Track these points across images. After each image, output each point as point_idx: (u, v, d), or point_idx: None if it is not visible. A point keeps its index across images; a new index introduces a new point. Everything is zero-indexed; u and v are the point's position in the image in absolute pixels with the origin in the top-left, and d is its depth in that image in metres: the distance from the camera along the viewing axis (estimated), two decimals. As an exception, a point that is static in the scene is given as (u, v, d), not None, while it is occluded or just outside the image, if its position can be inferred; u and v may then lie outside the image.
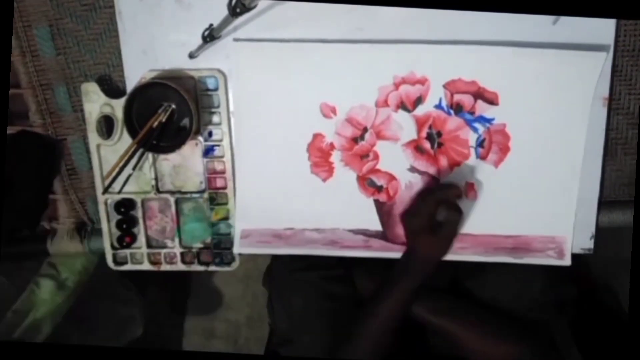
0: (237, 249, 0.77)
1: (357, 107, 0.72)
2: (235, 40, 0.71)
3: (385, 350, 0.71)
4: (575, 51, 0.68)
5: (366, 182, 0.75)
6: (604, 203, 0.75)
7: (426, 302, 0.73)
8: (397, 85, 0.71)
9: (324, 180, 0.75)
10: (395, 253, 0.75)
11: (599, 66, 0.69)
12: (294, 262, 0.82)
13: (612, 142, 0.74)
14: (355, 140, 0.73)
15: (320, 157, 0.74)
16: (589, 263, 1.16)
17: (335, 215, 0.76)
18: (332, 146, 0.74)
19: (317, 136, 0.74)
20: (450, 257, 0.75)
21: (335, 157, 0.74)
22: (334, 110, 0.73)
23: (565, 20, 0.68)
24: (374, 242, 0.76)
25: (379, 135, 0.73)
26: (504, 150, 0.72)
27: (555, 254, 0.74)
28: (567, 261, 0.74)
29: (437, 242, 0.69)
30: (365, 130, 0.73)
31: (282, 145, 0.74)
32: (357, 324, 0.72)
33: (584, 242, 0.75)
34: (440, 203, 0.68)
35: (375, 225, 0.76)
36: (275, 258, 0.86)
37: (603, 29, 0.69)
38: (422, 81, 0.71)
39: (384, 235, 0.76)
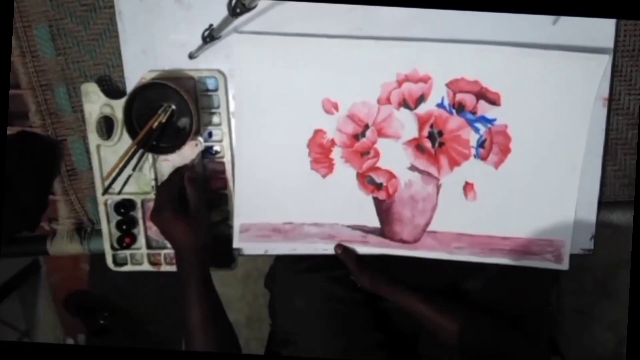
0: (236, 243, 0.77)
1: (359, 104, 0.72)
2: (239, 33, 0.71)
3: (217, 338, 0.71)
4: (578, 53, 0.68)
5: (366, 180, 0.75)
6: (604, 203, 0.75)
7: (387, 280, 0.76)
8: (400, 83, 0.71)
9: (324, 176, 0.75)
10: (392, 249, 0.76)
11: (601, 68, 0.69)
12: (296, 263, 0.82)
13: (612, 142, 0.74)
14: (356, 137, 0.73)
15: (320, 153, 0.74)
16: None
17: (334, 211, 0.76)
18: (332, 142, 0.74)
19: (318, 132, 0.74)
20: (446, 256, 0.76)
21: (336, 154, 0.74)
22: (336, 107, 0.73)
23: (565, 20, 0.68)
24: (372, 238, 0.76)
25: (380, 133, 0.73)
26: (505, 151, 0.72)
27: (553, 258, 0.74)
28: (565, 265, 0.74)
29: (188, 224, 0.69)
30: (366, 127, 0.73)
31: (283, 140, 0.74)
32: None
33: (584, 242, 0.75)
34: (177, 188, 0.71)
35: (374, 221, 0.76)
36: (277, 259, 0.86)
37: (603, 30, 0.69)
38: (425, 79, 0.71)
39: (382, 232, 0.76)
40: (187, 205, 0.71)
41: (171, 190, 0.71)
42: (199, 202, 0.71)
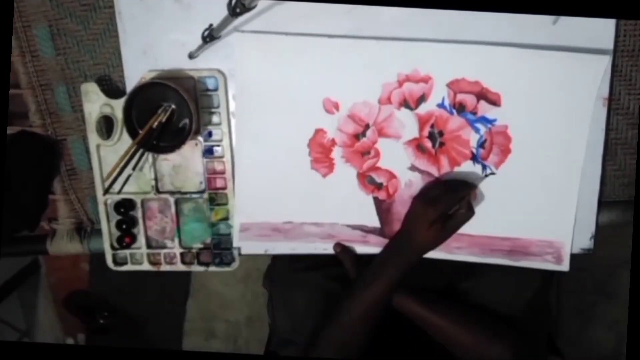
0: (236, 242, 0.77)
1: (359, 104, 0.72)
2: (240, 32, 0.71)
3: (360, 342, 0.71)
4: (578, 54, 0.68)
5: (366, 180, 0.75)
6: (604, 203, 0.75)
7: (418, 296, 0.73)
8: (400, 83, 0.71)
9: (324, 176, 0.75)
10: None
11: (601, 69, 0.69)
12: (294, 262, 0.82)
13: (612, 142, 0.74)
14: (356, 136, 0.73)
15: (321, 152, 0.74)
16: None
17: (334, 211, 0.76)
18: (333, 142, 0.74)
19: (318, 132, 0.74)
20: (445, 256, 0.76)
21: (336, 153, 0.74)
22: (336, 106, 0.73)
23: (565, 20, 0.68)
24: (372, 238, 0.76)
25: (381, 133, 0.73)
26: (505, 152, 0.72)
27: (554, 259, 0.74)
28: (565, 267, 0.74)
29: (440, 233, 0.70)
30: (367, 127, 0.73)
31: (283, 140, 0.74)
32: (339, 310, 0.71)
33: (584, 242, 0.75)
34: (461, 200, 0.69)
35: (374, 221, 0.76)
36: (275, 258, 0.86)
37: (603, 30, 0.69)
38: (426, 79, 0.71)
39: (382, 232, 0.76)
40: (448, 217, 0.69)
41: (454, 197, 0.70)
42: (461, 225, 0.70)
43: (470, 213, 0.70)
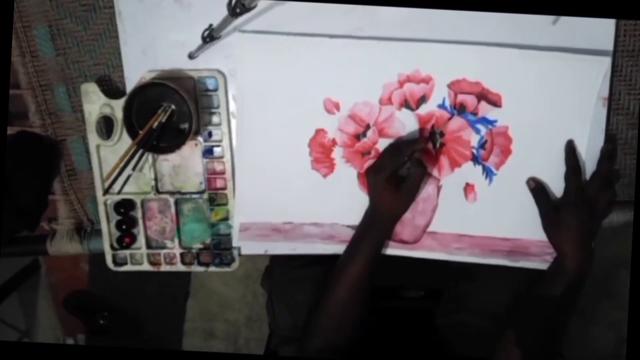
0: (235, 242, 0.77)
1: (360, 104, 0.72)
2: (241, 31, 0.71)
3: (351, 324, 0.71)
4: (579, 55, 0.68)
5: (367, 180, 0.75)
6: (604, 203, 0.75)
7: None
8: (401, 83, 0.71)
9: (325, 176, 0.75)
10: (392, 250, 0.76)
11: (602, 70, 0.69)
12: (292, 259, 0.82)
13: (612, 142, 0.74)
14: (357, 137, 0.73)
15: (321, 152, 0.74)
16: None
17: (334, 211, 0.76)
18: (334, 142, 0.74)
19: (319, 132, 0.74)
20: (446, 257, 0.76)
21: (337, 154, 0.74)
22: (337, 106, 0.73)
23: (565, 20, 0.68)
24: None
25: (382, 133, 0.73)
26: (506, 152, 0.72)
27: (553, 259, 0.74)
28: None
29: (399, 197, 0.70)
30: (367, 127, 0.73)
31: (284, 140, 0.74)
32: (325, 294, 0.71)
33: (584, 242, 0.75)
34: (405, 158, 0.70)
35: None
36: (273, 258, 0.86)
37: (603, 30, 0.69)
38: (427, 80, 0.71)
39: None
40: (404, 179, 0.70)
41: (398, 157, 0.70)
42: (418, 182, 0.70)
43: (420, 169, 0.69)
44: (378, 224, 0.72)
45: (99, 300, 1.63)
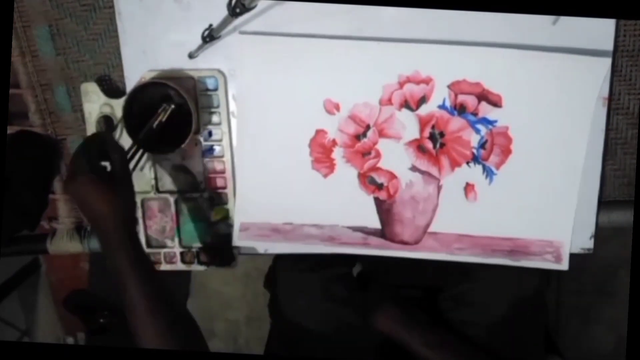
0: (235, 242, 0.77)
1: (360, 105, 0.72)
2: (241, 33, 0.71)
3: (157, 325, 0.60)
4: (579, 55, 0.68)
5: (367, 180, 0.75)
6: (604, 203, 0.75)
7: (420, 336, 0.74)
8: (401, 84, 0.71)
9: (325, 176, 0.75)
10: (393, 251, 0.76)
11: (602, 71, 0.68)
12: (296, 263, 0.82)
13: (612, 142, 0.74)
14: (357, 137, 0.73)
15: (321, 153, 0.74)
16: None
17: (335, 211, 0.76)
18: (334, 143, 0.74)
19: (319, 132, 0.74)
20: (447, 257, 0.76)
21: (337, 154, 0.74)
22: (337, 107, 0.73)
23: (565, 20, 0.68)
24: (372, 240, 0.76)
25: (382, 134, 0.73)
26: (506, 152, 0.72)
27: (553, 258, 0.74)
28: (564, 265, 0.74)
29: (109, 188, 0.60)
30: (368, 127, 0.73)
31: (284, 140, 0.74)
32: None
33: (584, 242, 0.75)
34: (97, 153, 0.63)
35: (374, 222, 0.76)
36: (277, 259, 0.86)
37: (603, 30, 0.69)
38: (427, 81, 0.71)
39: (383, 233, 0.76)
40: (108, 173, 0.62)
41: (90, 154, 0.62)
42: (124, 167, 0.62)
43: (117, 152, 0.62)
44: (111, 233, 0.60)
45: (99, 300, 1.63)
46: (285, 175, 0.75)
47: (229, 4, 0.62)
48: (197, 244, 0.79)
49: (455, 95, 0.71)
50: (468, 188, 0.74)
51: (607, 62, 0.68)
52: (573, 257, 0.74)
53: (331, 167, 0.75)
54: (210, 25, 0.69)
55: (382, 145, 0.73)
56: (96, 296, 1.64)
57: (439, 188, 0.74)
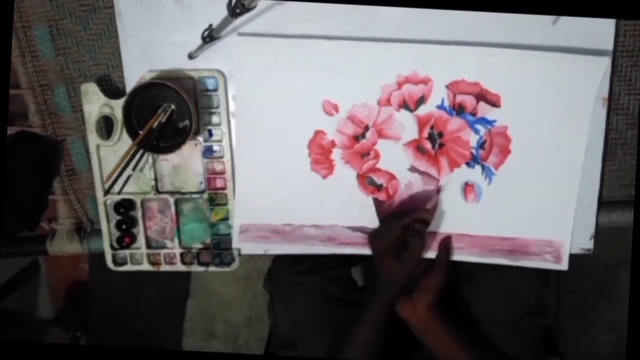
0: (235, 243, 0.77)
1: (359, 105, 0.72)
2: (240, 34, 0.71)
3: (375, 353, 0.72)
4: (578, 55, 0.68)
5: (366, 181, 0.75)
6: (604, 203, 0.75)
7: (454, 328, 0.73)
8: (400, 85, 0.71)
9: (324, 177, 0.75)
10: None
11: (601, 70, 0.69)
12: (295, 264, 0.81)
13: (612, 142, 0.74)
14: (356, 138, 0.73)
15: (320, 154, 0.74)
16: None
17: (334, 212, 0.76)
18: (333, 143, 0.74)
19: (318, 133, 0.74)
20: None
21: (336, 155, 0.74)
22: (336, 108, 0.73)
23: (565, 20, 0.68)
24: (373, 241, 0.76)
25: (381, 134, 0.73)
26: (505, 152, 0.72)
27: (553, 258, 0.74)
28: (564, 265, 0.74)
29: (398, 266, 0.70)
30: (366, 128, 0.73)
31: (283, 141, 0.74)
32: (351, 333, 0.73)
33: (584, 242, 0.75)
34: (405, 228, 0.69)
35: (374, 223, 0.76)
36: (276, 260, 0.86)
37: (603, 30, 0.69)
38: (426, 81, 0.71)
39: (382, 234, 0.76)
40: (405, 247, 0.70)
41: (400, 224, 0.70)
42: (419, 253, 0.70)
43: (418, 240, 0.69)
44: (381, 290, 0.72)
45: (97, 298, 1.63)
46: (284, 177, 0.75)
47: (229, 4, 0.62)
48: (197, 245, 0.79)
49: (454, 96, 0.71)
50: (467, 188, 0.74)
51: (606, 60, 0.68)
52: (573, 257, 0.74)
53: (330, 168, 0.75)
54: (210, 25, 0.69)
55: (381, 146, 0.73)
56: (93, 294, 1.64)
57: (439, 188, 0.74)
